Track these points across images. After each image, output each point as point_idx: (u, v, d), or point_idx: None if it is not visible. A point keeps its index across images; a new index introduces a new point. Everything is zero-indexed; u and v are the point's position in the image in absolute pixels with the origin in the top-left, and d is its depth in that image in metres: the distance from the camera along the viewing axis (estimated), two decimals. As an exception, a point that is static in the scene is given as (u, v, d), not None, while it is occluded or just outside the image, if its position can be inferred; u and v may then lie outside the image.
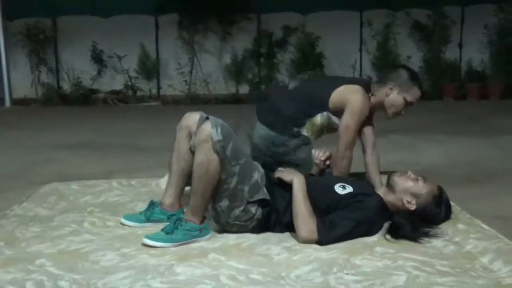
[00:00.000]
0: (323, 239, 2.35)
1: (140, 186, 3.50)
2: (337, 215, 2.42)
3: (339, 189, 2.55)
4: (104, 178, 3.76)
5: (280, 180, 2.59)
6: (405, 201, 2.52)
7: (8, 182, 3.81)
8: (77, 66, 10.31)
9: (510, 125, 6.64)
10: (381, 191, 2.64)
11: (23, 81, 10.28)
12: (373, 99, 3.02)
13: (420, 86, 3.11)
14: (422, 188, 2.54)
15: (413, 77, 3.09)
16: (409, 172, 2.60)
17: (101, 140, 5.83)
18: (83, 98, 9.99)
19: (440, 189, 2.60)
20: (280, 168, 2.72)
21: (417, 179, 2.56)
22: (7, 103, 9.86)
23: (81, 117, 8.19)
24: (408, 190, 2.53)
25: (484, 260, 2.17)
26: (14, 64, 10.23)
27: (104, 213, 2.88)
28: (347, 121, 2.93)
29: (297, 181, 2.50)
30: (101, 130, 6.75)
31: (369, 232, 2.47)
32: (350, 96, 2.94)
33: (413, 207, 2.52)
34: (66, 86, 10.45)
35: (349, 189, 2.55)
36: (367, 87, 3.03)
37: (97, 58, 10.37)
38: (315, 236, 2.35)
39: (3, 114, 9.03)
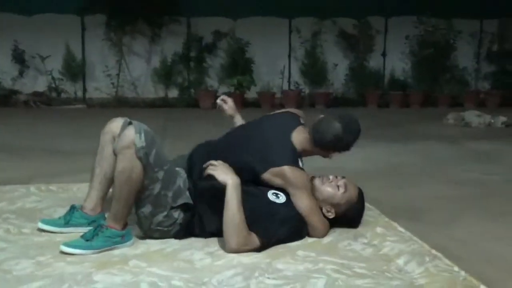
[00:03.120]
0: (261, 249, 2.35)
1: (60, 191, 3.39)
2: (272, 224, 2.43)
3: (272, 196, 2.55)
4: (22, 183, 3.60)
5: (209, 177, 2.48)
6: (324, 210, 2.58)
7: None
8: (-4, 65, 9.82)
9: (428, 131, 6.96)
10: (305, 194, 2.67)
11: None
12: (307, 147, 2.70)
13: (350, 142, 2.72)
14: (341, 198, 2.58)
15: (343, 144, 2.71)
16: (331, 177, 2.65)
17: (20, 143, 5.59)
18: (3, 99, 9.52)
19: (359, 194, 2.66)
20: (212, 161, 2.51)
21: (338, 186, 2.59)
22: None
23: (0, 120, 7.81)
24: (327, 199, 2.58)
25: (400, 262, 2.25)
26: None
27: (20, 219, 2.76)
28: (304, 207, 2.53)
29: (232, 185, 2.39)
30: (21, 133, 6.47)
31: (300, 237, 2.51)
32: (288, 181, 2.55)
33: (331, 216, 2.58)
34: (-16, 87, 9.91)
35: (282, 197, 2.55)
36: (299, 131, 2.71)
37: (19, 58, 9.89)
38: (245, 248, 2.33)
39: None
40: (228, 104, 3.10)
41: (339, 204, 2.58)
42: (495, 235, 2.87)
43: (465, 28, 10.51)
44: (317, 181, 2.63)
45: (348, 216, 2.62)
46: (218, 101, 3.12)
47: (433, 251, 2.37)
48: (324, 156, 2.78)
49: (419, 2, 9.81)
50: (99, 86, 10.06)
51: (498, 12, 10.38)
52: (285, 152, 2.60)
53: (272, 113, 2.97)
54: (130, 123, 2.41)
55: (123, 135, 2.35)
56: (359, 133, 2.70)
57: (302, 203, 2.53)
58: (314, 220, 2.54)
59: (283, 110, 3.00)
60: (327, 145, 2.65)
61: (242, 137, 2.75)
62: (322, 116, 2.71)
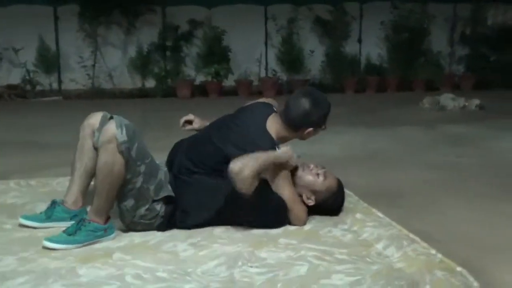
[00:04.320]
0: None
1: (40, 186, 3.34)
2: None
3: None
4: (1, 179, 3.54)
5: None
6: (304, 197, 2.61)
7: None
8: (-32, 58, 9.64)
9: (404, 116, 7.05)
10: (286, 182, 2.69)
11: None
12: (282, 133, 2.71)
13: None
14: (321, 185, 2.61)
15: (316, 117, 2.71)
16: (312, 166, 2.68)
17: (-4, 138, 5.51)
18: (-24, 93, 9.37)
19: (339, 184, 2.70)
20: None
21: (318, 174, 2.63)
22: None
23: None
24: (308, 186, 2.62)
25: (379, 246, 2.29)
26: None
27: (0, 216, 2.72)
28: (285, 196, 2.55)
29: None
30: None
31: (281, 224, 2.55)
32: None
33: (311, 203, 2.61)
34: (-44, 80, 9.73)
35: None
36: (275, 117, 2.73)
37: (-9, 50, 9.74)
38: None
39: None
40: (193, 123, 3.00)
41: (319, 191, 2.61)
42: (470, 218, 2.93)
43: (439, 12, 10.63)
44: (299, 169, 2.66)
45: (328, 204, 2.65)
46: (186, 128, 3.00)
47: (411, 235, 2.41)
48: (301, 138, 2.77)
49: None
50: (74, 78, 9.93)
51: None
52: (261, 142, 2.60)
53: (246, 104, 2.97)
54: (111, 118, 2.40)
55: (104, 130, 2.34)
56: (329, 107, 2.72)
57: (284, 192, 2.55)
58: (297, 208, 2.57)
59: (256, 100, 3.00)
60: (298, 122, 2.67)
61: (221, 130, 2.75)
62: (290, 97, 2.74)
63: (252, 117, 2.75)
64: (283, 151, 2.54)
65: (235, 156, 2.55)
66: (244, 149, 2.54)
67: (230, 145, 2.63)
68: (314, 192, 2.61)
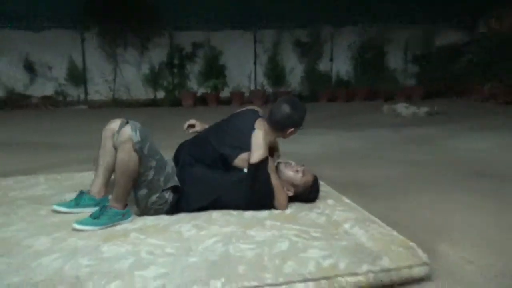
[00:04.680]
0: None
1: (67, 179, 3.29)
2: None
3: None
4: (33, 173, 3.52)
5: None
6: (285, 189, 2.61)
7: None
8: (10, 74, 9.53)
9: (367, 121, 7.08)
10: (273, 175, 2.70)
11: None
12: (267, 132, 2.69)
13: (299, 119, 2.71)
14: (300, 180, 2.61)
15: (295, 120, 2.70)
16: (293, 163, 2.69)
17: (31, 139, 5.46)
18: (16, 103, 9.28)
19: (314, 179, 2.69)
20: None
21: (297, 171, 2.63)
22: None
23: (13, 120, 7.60)
24: (288, 180, 2.62)
25: (347, 226, 2.29)
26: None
27: (35, 204, 2.69)
28: (273, 186, 2.54)
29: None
30: (32, 130, 6.32)
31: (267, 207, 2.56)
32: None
33: (290, 194, 2.61)
34: (0, 92, 9.62)
35: None
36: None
37: (29, 67, 9.66)
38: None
39: None
40: (195, 126, 2.98)
41: (297, 185, 2.61)
42: (427, 205, 2.94)
43: (395, 36, 10.68)
44: (281, 166, 2.66)
45: (304, 196, 2.65)
46: (190, 131, 2.96)
47: (372, 217, 2.41)
48: (283, 137, 2.78)
49: (359, 16, 9.92)
50: (98, 90, 9.91)
51: (421, 24, 10.57)
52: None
53: (237, 111, 2.97)
54: (127, 123, 2.40)
55: (121, 132, 2.34)
56: (305, 111, 2.73)
57: (272, 181, 2.54)
58: (281, 196, 2.57)
59: (245, 108, 3.00)
60: (281, 124, 2.67)
61: (217, 133, 2.75)
62: (273, 105, 2.75)
63: (243, 121, 2.76)
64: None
65: (230, 154, 2.56)
66: (240, 147, 2.56)
67: (225, 146, 2.64)
68: (293, 185, 2.61)
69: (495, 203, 2.97)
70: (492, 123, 6.38)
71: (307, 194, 2.66)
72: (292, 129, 2.71)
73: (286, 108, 2.66)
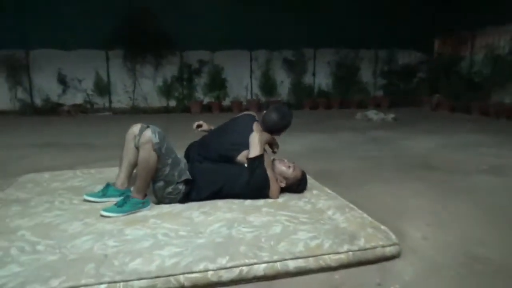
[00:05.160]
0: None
1: (97, 173, 3.29)
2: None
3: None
4: (70, 169, 3.50)
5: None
6: (278, 181, 2.61)
7: (-8, 174, 3.44)
8: (46, 86, 9.44)
9: (343, 125, 7.09)
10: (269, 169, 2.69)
11: (2, 97, 9.25)
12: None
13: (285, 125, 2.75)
14: (291, 174, 2.61)
15: (282, 124, 2.75)
16: (285, 160, 2.69)
17: (65, 141, 5.41)
18: (52, 110, 9.20)
19: (303, 174, 2.69)
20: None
21: (289, 166, 2.63)
22: (-11, 114, 8.86)
23: (49, 124, 7.53)
24: (281, 173, 2.62)
25: (329, 213, 2.30)
26: (-5, 85, 9.18)
27: (70, 194, 2.68)
28: (269, 177, 2.53)
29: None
30: (66, 133, 6.26)
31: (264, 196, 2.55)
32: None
33: (283, 185, 2.61)
34: (37, 101, 9.52)
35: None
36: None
37: (62, 80, 9.55)
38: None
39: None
40: (203, 126, 2.97)
41: (288, 178, 2.61)
42: (387, 192, 2.97)
43: (367, 55, 10.71)
44: (276, 161, 2.66)
45: (294, 187, 2.65)
46: (199, 130, 2.95)
47: (350, 205, 2.42)
48: (278, 135, 2.84)
49: (337, 39, 9.94)
50: (120, 99, 9.81)
51: (388, 45, 10.62)
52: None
53: (236, 116, 2.97)
54: (147, 127, 2.38)
55: (143, 134, 2.32)
56: (291, 115, 2.78)
57: (268, 174, 2.53)
58: (275, 187, 2.56)
59: (242, 113, 3.00)
60: (272, 129, 2.73)
61: (220, 136, 2.76)
62: (265, 111, 2.80)
63: (243, 124, 2.76)
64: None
65: (232, 154, 2.56)
66: (240, 146, 2.58)
67: (226, 147, 2.64)
68: (285, 178, 2.61)
69: (441, 190, 3.00)
70: (437, 128, 6.46)
71: (296, 185, 2.65)
72: (282, 133, 2.74)
73: (274, 117, 2.72)
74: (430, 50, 10.87)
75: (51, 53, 9.33)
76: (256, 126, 2.71)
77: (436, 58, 10.45)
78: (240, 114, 2.96)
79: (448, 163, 3.95)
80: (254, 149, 2.53)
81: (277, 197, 2.57)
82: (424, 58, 10.79)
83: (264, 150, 2.64)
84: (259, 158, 2.49)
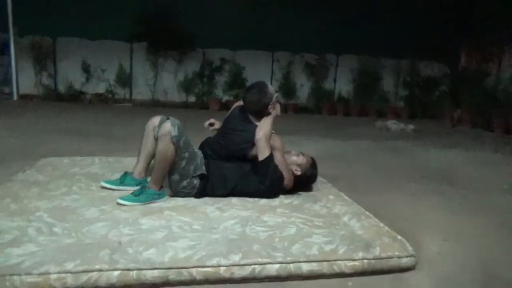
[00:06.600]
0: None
1: (115, 162, 3.33)
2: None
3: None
4: (89, 156, 3.55)
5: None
6: (293, 169, 2.61)
7: (14, 156, 3.52)
8: (70, 74, 9.62)
9: (361, 133, 7.00)
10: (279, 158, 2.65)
11: (28, 82, 9.47)
12: (258, 119, 2.69)
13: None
14: (302, 160, 2.68)
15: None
16: (293, 151, 2.72)
17: (86, 128, 5.50)
18: (74, 97, 9.38)
19: (312, 159, 2.74)
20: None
21: (298, 155, 2.69)
22: (14, 97, 9.14)
23: (71, 111, 7.66)
24: (294, 162, 2.65)
25: (345, 219, 2.27)
26: (22, 69, 9.38)
27: (88, 180, 2.72)
28: (277, 161, 2.55)
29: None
30: (86, 121, 6.36)
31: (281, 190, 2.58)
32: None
33: (298, 173, 2.63)
34: (61, 88, 9.72)
35: None
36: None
37: (86, 69, 9.71)
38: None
39: (11, 105, 8.25)
40: (215, 124, 2.97)
41: (301, 163, 2.66)
42: (405, 203, 2.91)
43: (389, 64, 10.57)
44: (285, 155, 2.67)
45: (308, 173, 2.68)
46: (210, 128, 2.96)
47: (367, 212, 2.38)
48: (267, 116, 2.66)
49: (359, 46, 9.84)
50: (141, 91, 9.93)
51: (410, 55, 10.45)
52: (253, 128, 2.60)
53: (231, 112, 2.87)
54: (167, 119, 2.39)
55: (163, 126, 2.33)
56: (266, 85, 2.68)
57: (276, 158, 2.53)
58: (287, 175, 2.56)
59: (234, 106, 2.89)
60: (257, 111, 2.65)
61: (226, 135, 2.72)
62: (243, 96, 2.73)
63: (243, 118, 2.72)
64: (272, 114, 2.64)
65: (243, 152, 2.54)
66: (250, 139, 2.55)
67: (236, 146, 2.62)
68: (298, 164, 2.65)
69: (459, 206, 2.93)
70: (458, 142, 6.32)
71: (310, 172, 2.68)
72: (268, 108, 2.64)
73: (252, 97, 2.63)
74: (454, 63, 10.66)
75: (77, 42, 9.52)
76: (252, 117, 2.68)
77: (461, 72, 10.24)
78: (233, 109, 2.87)
79: (468, 179, 3.85)
80: (262, 153, 2.50)
81: (291, 184, 2.57)
82: (447, 71, 10.59)
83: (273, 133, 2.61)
84: (270, 157, 2.49)
